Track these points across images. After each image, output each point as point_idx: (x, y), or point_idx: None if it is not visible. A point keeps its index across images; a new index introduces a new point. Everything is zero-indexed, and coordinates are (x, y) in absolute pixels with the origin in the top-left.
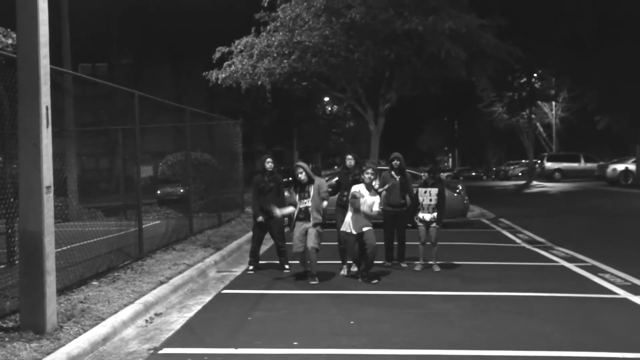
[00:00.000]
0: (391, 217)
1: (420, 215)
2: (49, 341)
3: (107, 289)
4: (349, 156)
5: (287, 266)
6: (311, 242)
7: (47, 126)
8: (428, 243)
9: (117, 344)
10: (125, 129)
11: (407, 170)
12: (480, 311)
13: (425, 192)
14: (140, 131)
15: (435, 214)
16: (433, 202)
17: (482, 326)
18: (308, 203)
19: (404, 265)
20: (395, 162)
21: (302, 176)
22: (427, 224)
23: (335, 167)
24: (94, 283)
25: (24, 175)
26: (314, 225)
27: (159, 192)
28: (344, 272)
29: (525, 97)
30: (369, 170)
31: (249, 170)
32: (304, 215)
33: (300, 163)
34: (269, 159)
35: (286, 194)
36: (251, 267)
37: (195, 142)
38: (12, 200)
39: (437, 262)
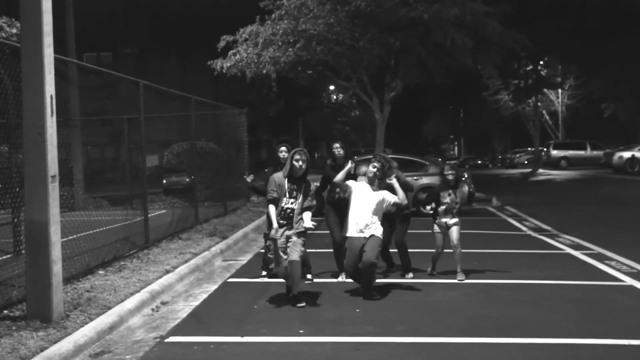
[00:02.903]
0: (386, 219)
1: (443, 220)
2: (56, 330)
3: (113, 277)
4: (336, 144)
5: (309, 276)
6: (296, 254)
7: (52, 115)
8: (446, 250)
9: (124, 332)
10: (131, 118)
11: (413, 158)
12: (486, 299)
13: (450, 194)
14: (146, 120)
15: (457, 219)
16: (457, 205)
17: (488, 314)
18: (295, 205)
19: (409, 275)
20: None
21: (303, 166)
22: (448, 228)
23: None
24: (100, 272)
25: (29, 164)
26: (298, 235)
27: (164, 181)
28: (342, 278)
29: (531, 85)
30: (375, 164)
31: (254, 159)
32: (286, 221)
33: (303, 149)
34: (282, 148)
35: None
36: (264, 273)
37: (200, 131)
38: (17, 189)
39: (461, 270)
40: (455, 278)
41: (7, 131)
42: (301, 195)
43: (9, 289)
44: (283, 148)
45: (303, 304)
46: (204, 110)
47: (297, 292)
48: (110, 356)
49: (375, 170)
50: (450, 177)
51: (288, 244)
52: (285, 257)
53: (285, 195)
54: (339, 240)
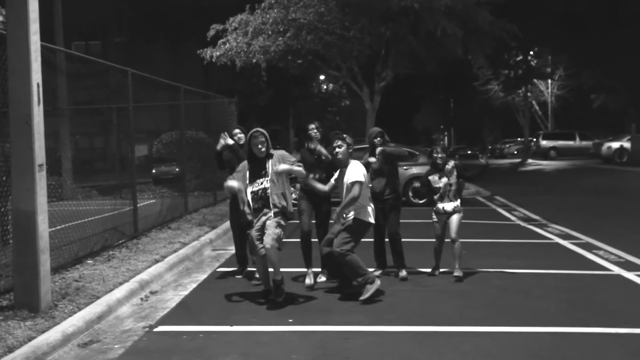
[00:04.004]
0: (378, 210)
1: (440, 205)
2: (44, 319)
3: (102, 267)
4: (312, 125)
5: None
6: (269, 238)
7: (39, 104)
8: (447, 240)
9: (112, 322)
10: (119, 107)
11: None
12: (476, 288)
13: (440, 177)
14: (135, 110)
15: (458, 202)
16: (453, 188)
17: (477, 303)
18: (266, 184)
19: (402, 274)
20: (378, 140)
21: (262, 148)
22: (447, 215)
23: None
24: (88, 262)
25: (15, 153)
26: (275, 215)
27: (154, 171)
28: (309, 280)
29: (521, 75)
30: (338, 144)
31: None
32: (261, 202)
33: (260, 129)
34: (236, 131)
35: (230, 183)
36: (240, 277)
37: (190, 121)
38: (4, 178)
39: (459, 266)
40: (444, 267)
41: None
42: (270, 171)
43: None
44: (237, 130)
45: (281, 298)
46: (194, 99)
47: (279, 277)
48: (98, 346)
49: (342, 150)
50: (439, 161)
51: (265, 230)
52: (260, 245)
53: (256, 178)
54: (306, 229)
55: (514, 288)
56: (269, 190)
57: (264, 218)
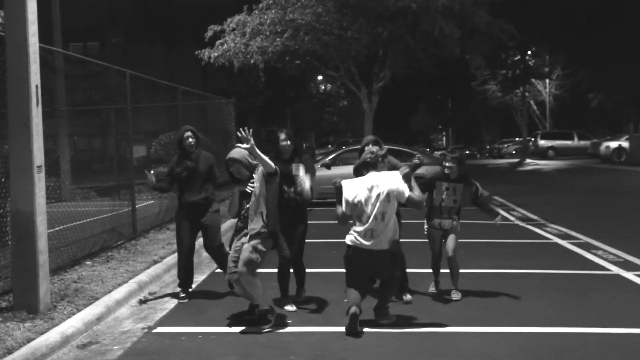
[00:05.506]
0: None
1: (437, 221)
2: (43, 321)
3: (100, 268)
4: (282, 135)
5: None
6: (240, 262)
7: (37, 105)
8: (449, 254)
9: (111, 323)
10: (117, 108)
11: (396, 147)
12: (474, 288)
13: (447, 187)
14: (133, 111)
15: (455, 222)
16: (457, 204)
17: (475, 303)
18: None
19: (407, 297)
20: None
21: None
22: (443, 231)
23: (329, 146)
24: (87, 263)
25: (14, 155)
26: (251, 238)
27: (152, 171)
28: (290, 307)
29: (519, 75)
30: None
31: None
32: (244, 222)
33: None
34: (187, 133)
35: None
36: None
37: (187, 122)
38: (3, 180)
39: (457, 288)
40: (442, 268)
41: None
42: (256, 185)
43: None
44: (188, 134)
45: (270, 324)
46: (192, 100)
47: (266, 306)
48: (97, 347)
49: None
50: (447, 171)
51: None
52: (236, 268)
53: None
54: (288, 255)
55: (512, 288)
56: (250, 208)
57: (243, 239)
